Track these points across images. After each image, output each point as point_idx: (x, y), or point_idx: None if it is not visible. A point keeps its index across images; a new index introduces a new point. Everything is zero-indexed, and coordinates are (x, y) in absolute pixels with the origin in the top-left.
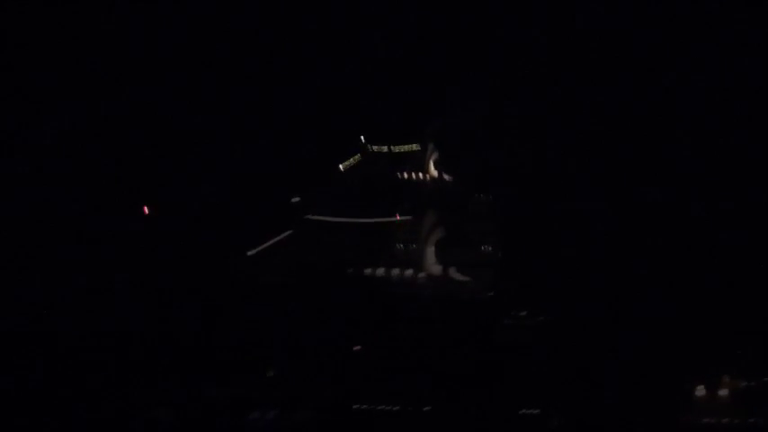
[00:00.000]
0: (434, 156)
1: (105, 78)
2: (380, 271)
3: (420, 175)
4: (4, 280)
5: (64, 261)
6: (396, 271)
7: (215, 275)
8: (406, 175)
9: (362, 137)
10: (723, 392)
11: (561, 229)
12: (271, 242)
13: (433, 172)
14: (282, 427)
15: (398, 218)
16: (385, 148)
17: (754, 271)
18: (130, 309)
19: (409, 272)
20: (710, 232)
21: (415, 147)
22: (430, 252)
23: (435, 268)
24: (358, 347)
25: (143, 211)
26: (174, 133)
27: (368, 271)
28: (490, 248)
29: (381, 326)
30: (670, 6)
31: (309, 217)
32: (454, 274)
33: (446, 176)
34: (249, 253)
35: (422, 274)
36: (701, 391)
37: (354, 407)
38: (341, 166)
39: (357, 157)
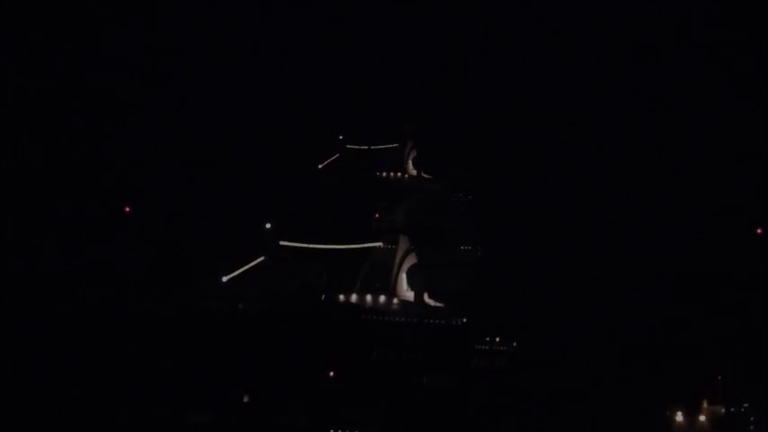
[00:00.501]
0: (412, 154)
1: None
2: (354, 297)
3: (398, 173)
4: None
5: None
6: (369, 296)
7: (188, 301)
8: (384, 174)
9: (341, 136)
10: (702, 418)
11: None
12: (244, 268)
13: (412, 170)
14: None
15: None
16: (364, 147)
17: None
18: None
19: (383, 297)
20: (691, 259)
21: (393, 146)
22: (403, 278)
23: (409, 294)
24: (332, 373)
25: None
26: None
27: (341, 297)
28: (468, 248)
29: (355, 351)
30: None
31: (282, 243)
32: (428, 299)
33: (424, 174)
34: (223, 279)
35: (395, 300)
36: (679, 417)
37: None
38: (319, 166)
39: (336, 156)
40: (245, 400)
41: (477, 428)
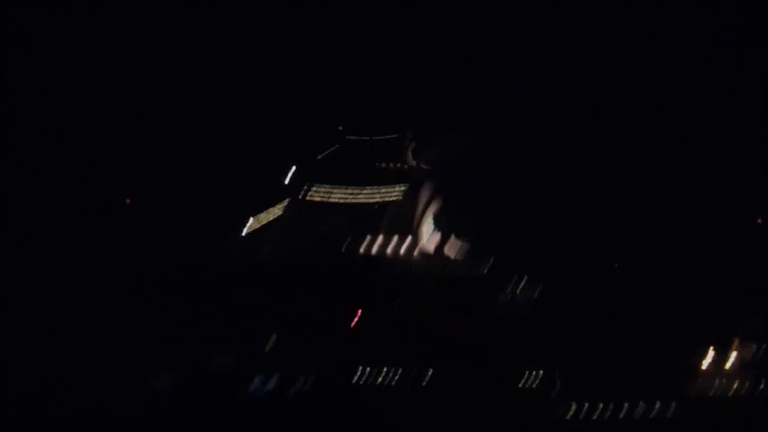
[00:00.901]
0: (412, 145)
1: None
2: (375, 246)
3: (397, 163)
4: None
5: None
6: (391, 247)
7: (210, 253)
8: (383, 164)
9: (340, 127)
10: (733, 356)
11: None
12: (266, 221)
13: (411, 161)
14: (282, 396)
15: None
16: (365, 138)
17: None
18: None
19: (404, 246)
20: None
21: (392, 136)
22: (425, 227)
23: (431, 242)
24: (355, 321)
25: (126, 203)
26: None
27: (363, 247)
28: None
29: (377, 302)
30: None
31: (303, 195)
32: (449, 249)
33: (423, 165)
34: (244, 232)
35: (417, 250)
36: (710, 355)
37: (354, 377)
38: (318, 157)
39: (335, 147)
40: (269, 345)
41: (500, 377)
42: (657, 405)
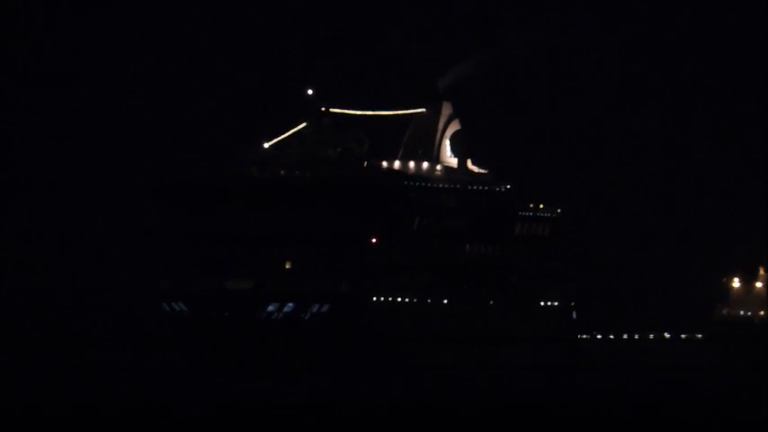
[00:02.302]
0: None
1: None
2: (397, 163)
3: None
4: None
5: None
6: (412, 163)
7: (230, 169)
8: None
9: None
10: (758, 285)
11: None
12: (286, 134)
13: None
14: (299, 319)
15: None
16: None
17: None
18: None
19: (426, 164)
20: None
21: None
22: (447, 144)
23: (452, 160)
24: (374, 240)
25: None
26: None
27: (384, 163)
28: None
29: (397, 218)
30: None
31: (324, 109)
32: (471, 165)
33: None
34: (265, 145)
35: (439, 166)
36: (735, 283)
37: (372, 299)
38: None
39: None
40: (287, 266)
41: (521, 295)
42: (683, 335)
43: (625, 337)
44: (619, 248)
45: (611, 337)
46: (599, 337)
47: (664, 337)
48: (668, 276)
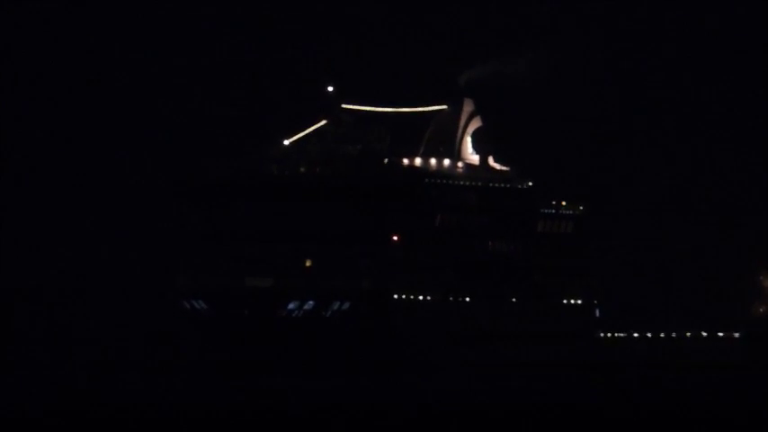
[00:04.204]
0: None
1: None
2: (418, 160)
3: (444, 160)
4: None
5: None
6: (433, 160)
7: (249, 165)
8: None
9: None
10: None
11: None
12: (306, 131)
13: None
14: (320, 316)
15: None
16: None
17: None
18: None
19: (447, 161)
20: None
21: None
22: (468, 141)
23: (474, 157)
24: (395, 237)
25: None
26: None
27: (405, 160)
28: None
29: (419, 214)
30: None
31: (344, 106)
32: (493, 162)
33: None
34: (285, 142)
35: (460, 164)
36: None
37: (394, 297)
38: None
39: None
40: (307, 264)
41: (543, 292)
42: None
43: (662, 335)
44: (653, 246)
45: (649, 335)
46: (635, 335)
47: (700, 335)
48: (704, 274)
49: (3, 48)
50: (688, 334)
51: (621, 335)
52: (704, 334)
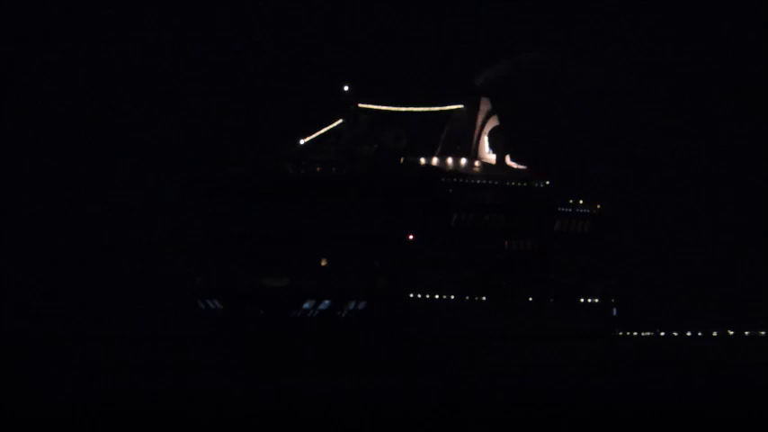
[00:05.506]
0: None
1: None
2: (435, 160)
3: (461, 159)
4: None
5: None
6: (450, 160)
7: (265, 165)
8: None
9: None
10: None
11: None
12: (322, 131)
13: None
14: (335, 316)
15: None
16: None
17: None
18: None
19: (464, 160)
20: None
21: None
22: (485, 140)
23: (490, 156)
24: (411, 236)
25: None
26: None
27: (422, 160)
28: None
29: (435, 213)
30: None
31: (361, 105)
32: (510, 161)
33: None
34: (301, 141)
35: (477, 163)
36: None
37: (410, 296)
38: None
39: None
40: (323, 263)
41: (561, 291)
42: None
43: (688, 334)
44: (673, 244)
45: (675, 333)
46: (662, 334)
47: (727, 333)
48: (732, 273)
49: (10, 47)
50: (714, 333)
51: (646, 333)
52: (730, 333)
